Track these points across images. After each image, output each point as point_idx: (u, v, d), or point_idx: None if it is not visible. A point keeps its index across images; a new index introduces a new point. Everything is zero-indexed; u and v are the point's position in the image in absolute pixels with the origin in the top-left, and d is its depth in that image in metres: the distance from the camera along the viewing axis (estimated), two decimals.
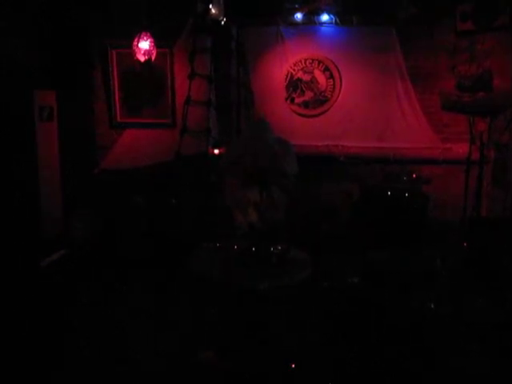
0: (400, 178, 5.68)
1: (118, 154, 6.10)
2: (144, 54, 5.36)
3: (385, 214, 5.36)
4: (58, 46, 5.60)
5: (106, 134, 6.29)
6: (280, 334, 3.59)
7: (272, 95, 6.32)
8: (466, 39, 5.74)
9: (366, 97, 6.15)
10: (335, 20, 6.03)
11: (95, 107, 6.29)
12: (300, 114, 6.34)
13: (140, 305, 4.14)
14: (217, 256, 3.65)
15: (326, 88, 6.25)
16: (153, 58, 5.43)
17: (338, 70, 6.20)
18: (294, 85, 6.30)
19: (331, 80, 6.23)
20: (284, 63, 6.27)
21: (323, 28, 6.13)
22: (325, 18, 6.03)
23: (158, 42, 5.42)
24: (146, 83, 6.13)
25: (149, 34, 5.32)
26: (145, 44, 5.31)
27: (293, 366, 3.21)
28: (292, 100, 6.32)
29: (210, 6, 5.47)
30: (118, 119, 6.26)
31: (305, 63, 6.26)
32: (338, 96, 6.23)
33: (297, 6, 5.95)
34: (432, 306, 3.87)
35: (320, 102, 6.28)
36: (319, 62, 6.23)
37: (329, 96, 6.26)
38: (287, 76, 6.30)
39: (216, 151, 5.79)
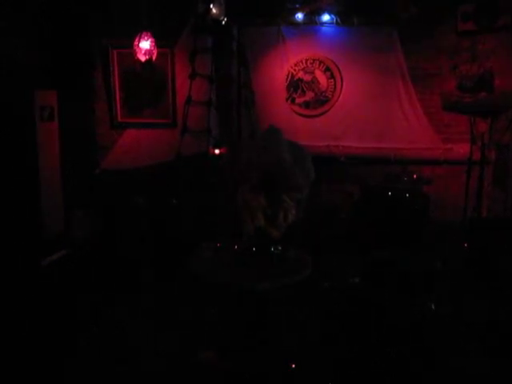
0: (401, 178, 5.68)
1: (118, 154, 6.10)
2: (145, 54, 5.36)
3: (385, 215, 5.36)
4: (59, 46, 5.60)
5: (106, 133, 6.29)
6: (280, 334, 3.58)
7: (273, 95, 6.32)
8: (467, 39, 5.75)
9: (367, 97, 6.15)
10: (336, 20, 6.03)
11: (96, 107, 6.29)
12: (301, 114, 6.34)
13: (140, 305, 4.15)
14: (217, 256, 3.64)
15: (327, 88, 6.26)
16: (153, 57, 5.42)
17: (339, 70, 6.20)
18: (294, 85, 6.31)
19: (332, 80, 6.23)
20: (285, 63, 6.27)
21: (324, 28, 6.13)
22: (326, 18, 6.03)
23: (158, 42, 5.42)
24: (147, 83, 6.12)
25: (149, 34, 5.31)
26: (145, 44, 5.31)
27: (293, 365, 3.21)
28: (293, 100, 6.33)
29: (211, 6, 5.48)
30: (119, 119, 6.26)
31: (306, 63, 6.26)
32: (339, 96, 6.23)
33: (298, 5, 5.96)
34: (432, 306, 3.86)
35: (321, 102, 6.28)
36: (320, 62, 6.24)
37: (330, 96, 6.26)
38: (288, 76, 6.30)
39: (216, 151, 5.79)
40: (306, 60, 6.25)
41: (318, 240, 5.18)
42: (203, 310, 3.89)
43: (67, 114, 5.70)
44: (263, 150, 3.90)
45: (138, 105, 6.20)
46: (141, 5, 5.43)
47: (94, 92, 6.26)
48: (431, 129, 6.04)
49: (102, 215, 5.81)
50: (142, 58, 5.39)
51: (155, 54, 5.43)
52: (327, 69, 6.22)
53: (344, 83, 6.20)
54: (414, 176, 5.65)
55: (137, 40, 5.31)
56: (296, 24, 6.13)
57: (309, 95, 6.29)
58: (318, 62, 6.24)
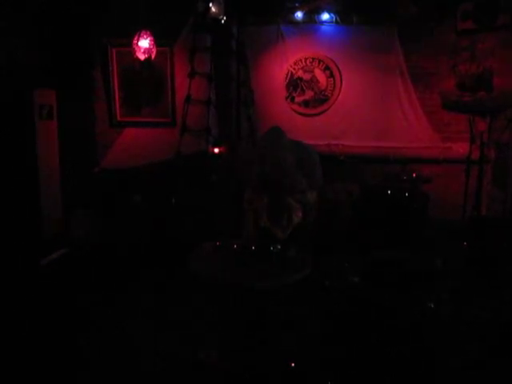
0: (400, 177, 5.67)
1: (117, 153, 6.09)
2: (144, 53, 5.35)
3: (385, 214, 5.35)
4: (58, 45, 5.59)
5: (105, 132, 6.28)
6: (280, 333, 3.58)
7: (272, 94, 6.32)
8: (466, 38, 5.74)
9: (367, 96, 6.15)
10: (336, 19, 6.03)
11: (95, 106, 6.28)
12: (300, 113, 6.34)
13: (140, 305, 4.14)
14: (216, 255, 3.65)
15: (327, 87, 6.25)
16: (153, 56, 5.42)
17: (339, 69, 6.20)
18: (294, 84, 6.30)
19: (331, 79, 6.23)
20: (284, 62, 6.26)
21: (324, 27, 6.13)
22: (325, 16, 6.03)
23: (158, 41, 5.41)
24: (146, 82, 6.12)
25: (149, 33, 5.31)
26: (145, 42, 5.30)
27: (292, 365, 3.21)
28: (292, 99, 6.32)
29: (211, 5, 5.47)
30: (118, 118, 6.25)
31: (305, 62, 6.25)
32: (339, 95, 6.23)
33: (297, 4, 5.95)
34: (432, 306, 3.87)
35: (320, 101, 6.28)
36: (319, 60, 6.23)
37: (329, 95, 6.25)
38: (287, 75, 6.29)
39: (216, 150, 5.79)
40: (306, 59, 6.25)
41: (318, 239, 5.18)
42: (203, 310, 3.89)
43: (66, 113, 5.69)
44: (264, 152, 3.90)
45: (138, 104, 6.20)
46: (140, 3, 5.42)
47: (93, 91, 6.25)
48: (431, 128, 6.04)
49: (101, 214, 5.80)
50: (141, 57, 5.39)
51: (154, 53, 5.43)
52: (327, 68, 6.22)
53: (343, 82, 6.20)
54: (414, 175, 5.64)
55: (136, 38, 5.31)
56: (295, 23, 6.12)
57: (308, 94, 6.29)
58: (317, 61, 6.23)
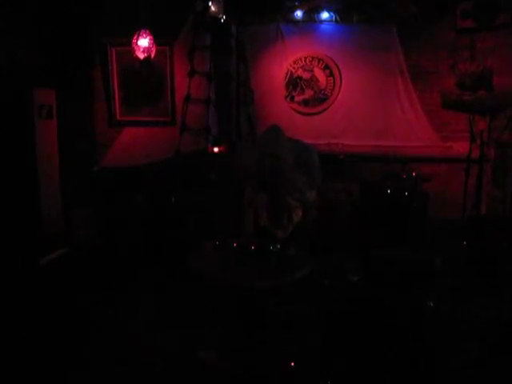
0: (400, 176, 5.67)
1: (117, 152, 6.09)
2: (143, 52, 5.34)
3: (385, 213, 5.35)
4: (58, 45, 5.59)
5: (105, 132, 6.28)
6: (279, 333, 3.58)
7: (272, 93, 6.32)
8: (466, 37, 5.74)
9: (366, 95, 6.15)
10: (335, 18, 6.03)
11: (95, 105, 6.28)
12: (300, 112, 6.33)
13: (140, 305, 4.14)
14: (216, 254, 3.64)
15: (326, 86, 6.25)
16: (152, 55, 5.40)
17: (338, 68, 6.19)
18: (293, 83, 6.30)
19: (331, 78, 6.22)
20: (284, 61, 6.26)
21: (323, 26, 6.12)
22: (325, 15, 6.03)
23: (157, 40, 5.40)
24: (146, 81, 6.11)
25: (148, 32, 5.29)
26: (144, 41, 5.29)
27: (292, 364, 3.21)
28: (292, 98, 6.32)
29: (210, 4, 5.47)
30: (118, 117, 6.25)
31: (305, 61, 6.25)
32: (338, 94, 6.22)
33: (297, 3, 5.94)
34: (432, 305, 3.86)
35: (320, 100, 6.27)
36: (319, 59, 6.22)
37: (329, 94, 6.25)
38: (287, 74, 6.29)
39: (215, 149, 5.78)
40: (305, 58, 6.24)
41: (318, 238, 5.18)
42: (203, 310, 3.89)
43: (66, 112, 5.69)
44: (263, 151, 3.89)
45: (137, 103, 6.19)
46: (139, 3, 5.41)
47: (92, 90, 6.24)
48: (430, 127, 6.04)
49: (101, 213, 5.80)
50: (141, 56, 5.37)
51: (154, 52, 5.41)
52: (326, 67, 6.21)
53: (343, 81, 6.19)
54: (414, 174, 5.64)
55: (135, 38, 5.29)
56: (295, 22, 6.12)
57: (308, 93, 6.28)
58: (317, 60, 6.23)
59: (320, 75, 6.24)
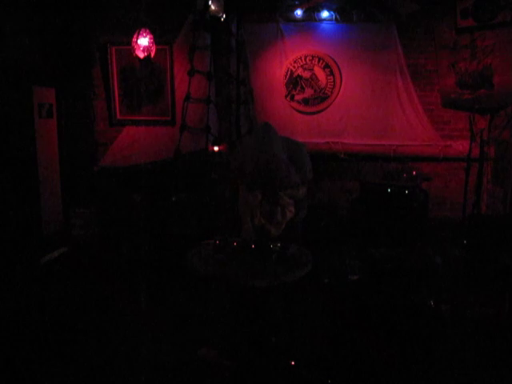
0: (400, 175, 5.68)
1: (117, 152, 6.08)
2: (143, 51, 5.34)
3: (385, 211, 5.36)
4: (58, 43, 5.59)
5: (105, 131, 6.28)
6: (280, 331, 3.58)
7: (272, 92, 6.31)
8: (466, 36, 5.72)
9: (367, 94, 6.14)
10: (335, 17, 6.03)
11: (94, 104, 6.27)
12: (300, 111, 6.33)
13: (139, 304, 4.14)
14: (216, 253, 3.64)
15: (326, 85, 6.24)
16: (152, 54, 5.40)
17: (338, 67, 6.19)
18: (293, 82, 6.29)
19: (331, 77, 6.22)
20: (284, 60, 6.26)
21: (323, 25, 6.12)
22: (325, 14, 6.03)
23: (157, 39, 5.40)
24: (146, 80, 6.10)
25: (148, 31, 5.29)
26: (144, 40, 5.29)
27: (292, 363, 3.21)
28: (292, 97, 6.31)
29: (210, 3, 5.46)
30: (118, 116, 6.24)
31: (305, 60, 6.24)
32: (338, 93, 6.22)
33: (297, 2, 5.94)
34: (431, 303, 3.87)
35: (320, 99, 6.27)
36: (319, 58, 6.22)
37: (329, 93, 6.24)
38: (287, 73, 6.28)
39: (216, 148, 5.78)
40: (305, 57, 6.24)
41: (318, 237, 5.18)
42: (203, 308, 3.89)
43: (66, 111, 5.69)
44: (257, 148, 3.88)
45: (137, 102, 6.18)
46: (139, 2, 5.41)
47: (92, 89, 6.24)
48: (430, 126, 6.03)
49: (101, 212, 5.80)
50: (141, 55, 5.37)
51: (154, 51, 5.41)
52: (326, 66, 6.21)
53: (343, 80, 6.19)
54: (414, 173, 5.65)
55: (135, 37, 5.29)
56: (295, 21, 6.12)
57: (308, 92, 6.28)
58: (317, 59, 6.23)
59: (320, 74, 6.23)
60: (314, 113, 6.31)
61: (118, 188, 5.86)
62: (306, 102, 6.30)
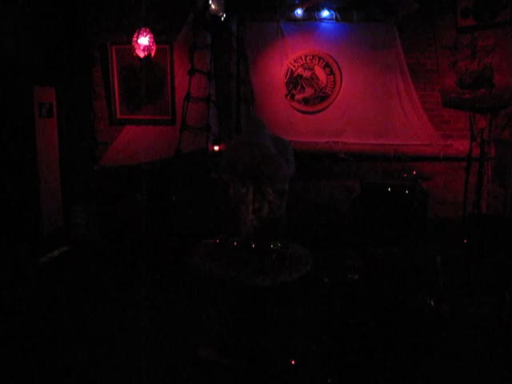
0: (400, 174, 5.68)
1: (117, 151, 6.09)
2: (143, 50, 5.34)
3: (385, 211, 5.35)
4: (58, 43, 5.59)
5: (105, 130, 6.29)
6: (280, 330, 3.58)
7: (272, 92, 6.30)
8: (466, 35, 5.72)
9: (367, 93, 6.13)
10: (336, 16, 6.02)
11: (95, 103, 6.28)
12: (300, 111, 6.32)
13: (139, 303, 4.14)
14: (216, 252, 3.64)
15: (327, 84, 6.24)
16: (152, 53, 5.41)
17: (339, 66, 6.18)
18: (294, 81, 6.29)
19: (331, 76, 6.21)
20: (284, 59, 6.25)
21: (323, 24, 6.11)
22: (325, 13, 6.01)
23: (157, 38, 5.40)
24: (146, 79, 6.10)
25: (148, 30, 5.30)
26: (144, 40, 5.29)
27: (292, 362, 3.21)
28: (292, 96, 6.31)
29: (210, 2, 5.46)
30: (118, 115, 6.24)
31: (305, 59, 6.24)
32: (339, 92, 6.21)
33: (297, 1, 5.94)
34: (432, 303, 3.86)
35: (320, 98, 6.26)
36: (319, 58, 6.21)
37: (329, 92, 6.24)
38: (287, 72, 6.28)
39: (216, 148, 5.78)
40: (306, 56, 6.23)
41: (318, 236, 5.18)
42: (203, 308, 3.89)
43: (66, 111, 5.69)
44: (248, 141, 3.87)
45: (137, 101, 6.18)
46: (140, 1, 5.41)
47: (92, 88, 6.24)
48: (431, 125, 6.03)
49: (101, 212, 5.81)
50: (141, 54, 5.37)
51: (154, 50, 5.41)
52: (327, 65, 6.20)
53: (343, 80, 6.18)
54: (414, 172, 5.65)
55: (135, 36, 5.29)
56: (295, 20, 6.11)
57: (308, 91, 6.27)
58: (317, 58, 6.22)
59: (320, 73, 6.23)
60: (314, 112, 6.30)
61: (118, 187, 5.86)
62: (306, 101, 6.30)
